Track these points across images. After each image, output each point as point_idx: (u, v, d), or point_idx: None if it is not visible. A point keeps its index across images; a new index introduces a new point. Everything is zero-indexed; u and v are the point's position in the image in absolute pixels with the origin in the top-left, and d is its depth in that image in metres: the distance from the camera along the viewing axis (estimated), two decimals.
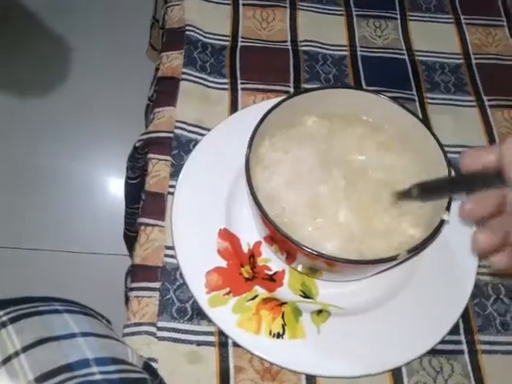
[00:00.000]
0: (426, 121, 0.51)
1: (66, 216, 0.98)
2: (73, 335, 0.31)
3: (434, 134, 0.40)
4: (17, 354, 0.29)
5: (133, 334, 0.39)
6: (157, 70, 0.53)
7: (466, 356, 0.41)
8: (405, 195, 0.36)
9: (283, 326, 0.39)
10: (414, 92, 0.53)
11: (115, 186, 1.04)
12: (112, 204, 1.01)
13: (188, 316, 0.40)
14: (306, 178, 0.39)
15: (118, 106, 1.10)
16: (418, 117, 0.41)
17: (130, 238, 0.60)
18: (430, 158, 0.40)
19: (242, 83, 0.52)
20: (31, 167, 1.03)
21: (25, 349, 0.29)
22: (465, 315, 0.42)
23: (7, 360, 0.29)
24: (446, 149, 0.47)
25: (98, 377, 0.30)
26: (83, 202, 1.01)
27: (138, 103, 0.66)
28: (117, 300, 0.56)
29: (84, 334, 0.31)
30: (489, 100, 0.53)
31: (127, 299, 0.42)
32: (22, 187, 1.00)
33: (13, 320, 0.30)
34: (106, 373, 0.30)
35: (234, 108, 0.50)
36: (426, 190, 0.34)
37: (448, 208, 0.36)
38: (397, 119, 0.41)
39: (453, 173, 0.38)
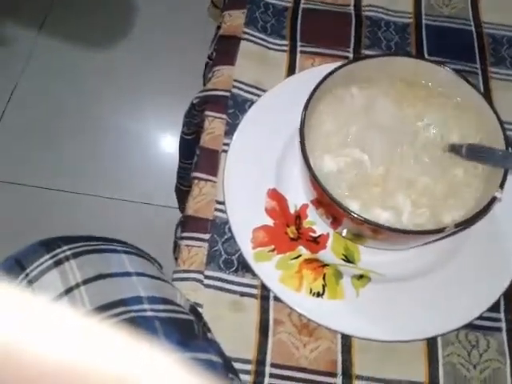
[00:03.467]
0: (487, 95, 0.50)
1: (119, 166, 1.02)
2: (128, 274, 0.33)
3: (494, 109, 0.39)
4: (77, 285, 0.32)
5: (181, 279, 0.41)
6: (218, 28, 0.54)
7: (504, 334, 0.41)
8: (455, 150, 0.38)
9: (323, 286, 0.41)
10: (478, 65, 0.51)
11: (170, 141, 1.07)
12: (165, 158, 1.05)
13: (234, 268, 0.42)
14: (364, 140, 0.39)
15: (178, 62, 1.11)
16: (479, 90, 0.40)
17: (182, 192, 0.62)
18: (489, 131, 0.39)
19: (301, 46, 0.52)
20: (91, 117, 1.07)
21: (85, 282, 0.32)
22: (507, 294, 0.42)
23: (69, 291, 0.32)
24: (507, 126, 0.46)
25: (150, 313, 0.32)
26: (137, 153, 1.04)
27: (198, 60, 0.67)
28: (165, 249, 0.59)
29: (138, 274, 0.34)
30: None
31: (176, 248, 0.45)
32: (79, 136, 1.04)
33: (75, 255, 0.33)
34: (156, 310, 0.33)
35: (291, 70, 0.50)
36: (476, 153, 0.37)
37: (502, 185, 0.36)
38: (458, 91, 0.40)
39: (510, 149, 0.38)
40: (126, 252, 0.35)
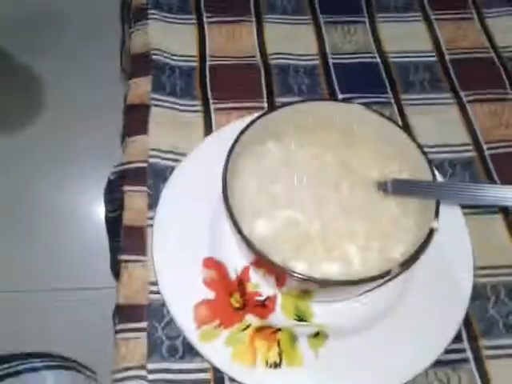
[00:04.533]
0: (404, 122, 0.50)
1: (52, 254, 0.96)
2: None
3: (413, 138, 0.39)
4: None
5: (122, 379, 0.37)
6: (125, 98, 0.52)
7: (472, 363, 0.39)
8: (382, 188, 0.38)
9: (280, 355, 0.38)
10: (391, 95, 0.52)
11: (99, 219, 1.02)
12: (98, 238, 0.99)
13: (179, 354, 0.38)
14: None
15: (95, 135, 1.08)
16: (394, 122, 0.40)
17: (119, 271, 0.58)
18: (412, 161, 0.38)
19: (214, 103, 0.50)
20: (11, 204, 1.01)
21: None
22: (466, 321, 0.40)
23: None
24: (428, 149, 0.47)
25: None
26: (68, 237, 0.98)
27: (115, 131, 0.64)
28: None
29: None
30: (466, 95, 0.52)
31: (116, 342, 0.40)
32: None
33: None
34: None
35: (208, 130, 0.49)
36: (402, 187, 0.37)
37: (436, 215, 0.35)
38: (373, 125, 0.40)
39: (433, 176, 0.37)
40: (47, 367, 0.31)
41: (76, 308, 0.89)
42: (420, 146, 0.38)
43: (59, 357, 0.33)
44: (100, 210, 1.02)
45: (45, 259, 0.94)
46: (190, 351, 0.38)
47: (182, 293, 0.39)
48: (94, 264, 0.90)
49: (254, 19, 0.56)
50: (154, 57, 0.52)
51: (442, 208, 0.35)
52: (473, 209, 0.44)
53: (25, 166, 1.04)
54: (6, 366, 0.30)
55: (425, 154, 0.37)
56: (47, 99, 1.16)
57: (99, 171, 0.84)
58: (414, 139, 0.38)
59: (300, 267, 0.34)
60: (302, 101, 0.40)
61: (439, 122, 0.50)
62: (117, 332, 0.39)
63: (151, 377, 0.37)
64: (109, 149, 0.69)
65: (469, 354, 0.40)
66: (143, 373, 0.37)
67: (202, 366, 0.38)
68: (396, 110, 0.51)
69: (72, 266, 0.94)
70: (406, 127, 0.50)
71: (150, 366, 0.37)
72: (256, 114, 0.40)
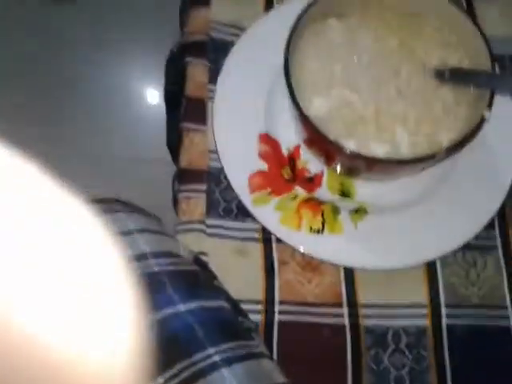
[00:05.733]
0: (470, 11, 0.48)
1: (106, 124, 1.01)
2: (129, 232, 0.34)
3: (478, 26, 0.38)
4: None
5: (185, 231, 0.42)
6: None
7: (500, 250, 0.42)
8: (440, 75, 0.38)
9: (322, 223, 0.42)
10: None
11: (154, 92, 1.05)
12: (152, 111, 1.03)
13: (234, 214, 0.43)
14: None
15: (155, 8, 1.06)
16: (461, 9, 0.39)
17: (174, 144, 0.62)
18: (474, 50, 0.38)
19: None
20: (66, 74, 1.04)
21: None
22: (501, 211, 0.43)
23: None
24: (490, 41, 0.46)
25: (156, 269, 0.33)
26: (122, 109, 1.02)
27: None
28: (163, 203, 0.59)
29: (139, 231, 0.34)
30: None
31: (175, 201, 0.45)
32: (57, 94, 1.02)
33: None
34: (162, 265, 0.33)
35: (269, 4, 0.48)
36: (460, 76, 0.37)
37: (489, 105, 0.35)
38: (439, 11, 0.39)
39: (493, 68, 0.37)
40: (124, 210, 0.35)
41: (130, 175, 0.96)
42: (485, 37, 0.38)
43: (131, 203, 0.37)
44: (154, 90, 1.05)
45: (99, 131, 0.99)
46: (243, 213, 0.42)
47: (239, 163, 0.43)
48: (148, 138, 0.95)
49: None
50: None
51: (496, 99, 0.36)
52: None
53: (79, 36, 1.05)
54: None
55: (488, 44, 0.37)
56: None
57: (154, 46, 0.85)
58: (480, 29, 0.38)
59: (350, 145, 0.37)
60: None
61: (506, 15, 0.48)
62: (179, 191, 0.43)
63: (209, 231, 0.42)
64: (167, 23, 0.70)
65: (498, 242, 0.43)
66: (202, 227, 0.42)
67: (253, 226, 0.42)
68: None
69: (126, 138, 0.99)
70: (472, 15, 0.48)
71: (209, 222, 0.42)
72: None
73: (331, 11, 0.39)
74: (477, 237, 0.41)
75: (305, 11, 0.38)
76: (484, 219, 0.41)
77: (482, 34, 0.38)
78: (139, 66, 1.07)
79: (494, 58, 0.37)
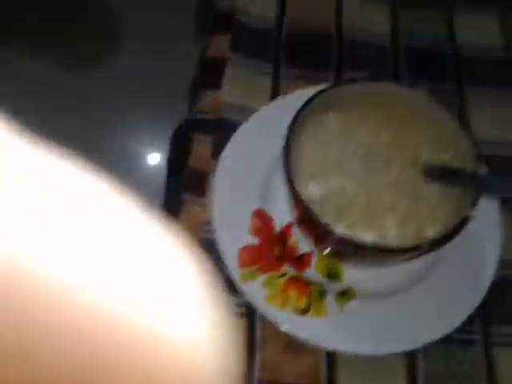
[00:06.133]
0: (463, 115, 0.52)
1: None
2: None
3: (467, 130, 0.41)
4: None
5: None
6: (203, 52, 0.56)
7: (480, 346, 0.42)
8: (429, 172, 0.40)
9: (308, 304, 0.42)
10: (455, 85, 0.54)
11: (157, 163, 1.08)
12: (153, 179, 1.06)
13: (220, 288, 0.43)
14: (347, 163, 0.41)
15: (164, 83, 1.13)
16: (452, 113, 0.42)
17: (170, 212, 0.64)
18: (462, 151, 0.41)
19: (285, 69, 0.53)
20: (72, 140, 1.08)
21: None
22: (483, 306, 0.43)
23: None
24: (481, 143, 0.49)
25: None
26: (125, 176, 1.06)
27: (184, 83, 0.69)
28: None
29: None
30: None
31: None
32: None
33: None
34: None
35: (276, 93, 0.52)
36: (448, 175, 0.39)
37: (474, 204, 0.37)
38: (432, 113, 0.42)
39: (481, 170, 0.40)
40: None
41: None
42: (473, 141, 0.40)
43: None
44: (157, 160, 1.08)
45: None
46: (229, 288, 0.43)
47: (231, 236, 0.44)
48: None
49: None
50: (236, 17, 0.56)
51: (481, 198, 0.38)
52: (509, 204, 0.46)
53: (88, 108, 1.11)
54: None
55: (476, 147, 0.40)
56: (124, 47, 1.21)
57: (161, 121, 0.90)
58: (468, 132, 0.41)
59: (339, 229, 0.38)
60: (368, 79, 0.43)
61: (499, 118, 0.52)
62: None
63: None
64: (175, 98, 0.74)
65: (478, 337, 0.43)
66: None
67: (238, 301, 0.43)
68: (458, 99, 0.53)
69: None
70: (464, 118, 0.51)
71: None
72: (322, 85, 0.44)
73: (331, 105, 0.42)
74: (458, 330, 0.42)
75: (307, 103, 0.41)
76: (465, 312, 0.42)
77: (471, 138, 0.40)
78: (149, 137, 1.12)
79: (482, 161, 0.39)
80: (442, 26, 0.57)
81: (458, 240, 0.38)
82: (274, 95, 0.52)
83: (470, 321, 0.42)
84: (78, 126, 1.09)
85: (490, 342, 0.43)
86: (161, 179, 0.62)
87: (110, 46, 1.22)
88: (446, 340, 0.41)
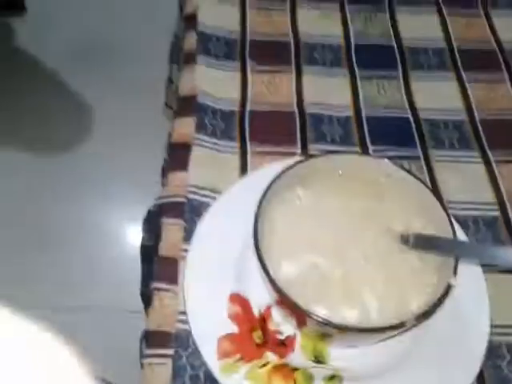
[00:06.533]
0: (432, 178, 0.52)
1: (84, 276, 1.00)
2: None
3: (437, 196, 0.41)
4: None
5: None
6: (170, 135, 0.56)
7: None
8: (405, 241, 0.40)
9: None
10: (420, 150, 0.54)
11: (131, 247, 1.06)
12: (129, 266, 1.03)
13: (201, 383, 0.40)
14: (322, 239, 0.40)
15: (134, 165, 1.13)
16: (420, 179, 0.42)
17: (147, 297, 0.61)
18: (436, 218, 0.40)
19: (251, 146, 0.53)
20: (41, 228, 1.06)
21: None
22: (480, 379, 0.41)
23: None
24: (453, 205, 0.49)
25: None
26: (100, 264, 1.02)
27: (156, 162, 0.68)
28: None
29: None
30: (494, 155, 0.54)
31: (142, 365, 0.43)
32: (34, 248, 1.02)
33: None
34: None
35: (243, 171, 0.52)
36: (424, 242, 0.38)
37: (455, 272, 0.36)
38: (400, 181, 0.42)
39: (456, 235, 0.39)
40: None
41: (104, 328, 0.92)
42: (444, 206, 0.40)
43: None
44: (136, 237, 1.06)
45: (77, 277, 0.98)
46: (211, 381, 0.40)
47: (208, 325, 0.41)
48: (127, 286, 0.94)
49: (293, 69, 0.60)
50: (199, 99, 0.56)
51: (462, 264, 0.37)
52: (493, 267, 0.45)
53: (69, 187, 1.10)
54: None
55: (448, 213, 0.39)
56: (93, 125, 1.22)
57: (134, 204, 0.89)
58: (439, 198, 0.41)
59: (320, 311, 0.37)
60: (333, 152, 0.43)
61: (466, 180, 0.52)
62: (144, 356, 0.42)
63: None
64: (148, 178, 0.74)
65: None
66: None
67: None
68: (424, 164, 0.53)
69: (105, 285, 0.98)
70: (434, 182, 0.52)
71: None
72: (288, 160, 0.43)
73: (298, 181, 0.42)
74: None
75: (274, 181, 0.40)
76: None
77: (441, 203, 0.40)
78: (121, 220, 1.10)
79: (454, 226, 0.39)
80: (400, 93, 0.59)
81: (443, 310, 0.36)
82: (243, 172, 0.52)
83: None
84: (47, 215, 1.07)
85: None
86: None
87: (81, 133, 1.23)
88: None
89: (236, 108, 0.57)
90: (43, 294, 0.95)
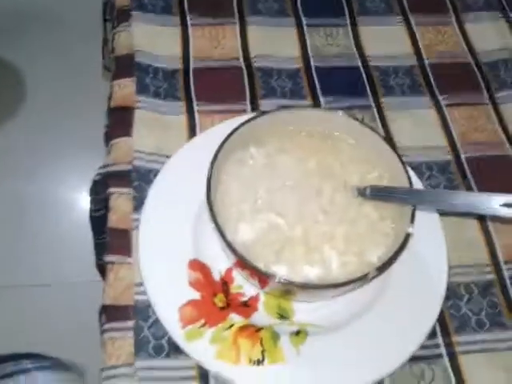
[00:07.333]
0: (384, 126, 0.51)
1: (35, 249, 0.96)
2: None
3: (392, 146, 0.40)
4: None
5: (111, 377, 0.38)
6: (109, 99, 0.52)
7: (446, 359, 0.41)
8: (361, 193, 0.39)
9: (262, 352, 0.39)
10: (371, 98, 0.53)
11: (82, 216, 1.02)
12: (80, 234, 1.00)
13: (165, 352, 0.39)
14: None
15: (77, 131, 1.08)
16: (373, 129, 0.41)
17: (103, 268, 0.59)
18: (391, 167, 0.40)
19: (198, 105, 0.51)
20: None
21: None
22: (441, 318, 0.42)
23: None
24: (407, 152, 0.49)
25: None
26: (50, 233, 0.98)
27: (98, 127, 0.65)
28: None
29: None
30: (444, 99, 0.54)
31: (102, 340, 0.41)
32: None
33: None
34: None
35: (192, 132, 0.49)
36: (380, 193, 0.38)
37: (412, 220, 0.36)
38: (354, 133, 0.41)
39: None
40: (38, 368, 0.32)
41: (64, 303, 0.90)
42: (398, 155, 0.39)
43: (49, 358, 0.33)
44: (85, 206, 1.02)
45: (31, 255, 0.94)
46: (175, 350, 0.39)
47: (168, 294, 0.40)
48: (80, 258, 0.91)
49: (237, 21, 0.57)
50: (137, 59, 0.53)
51: (419, 210, 0.37)
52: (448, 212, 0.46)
53: (5, 161, 1.04)
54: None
55: (403, 162, 0.39)
56: (29, 95, 1.15)
57: (83, 167, 0.85)
58: (393, 147, 0.40)
59: (281, 271, 0.36)
60: (284, 108, 0.42)
61: (418, 125, 0.52)
62: (103, 331, 0.40)
63: (140, 374, 0.38)
64: (93, 145, 0.70)
65: (443, 350, 0.42)
66: (131, 370, 0.38)
67: (188, 363, 0.39)
68: (376, 112, 0.52)
69: (58, 260, 0.94)
70: (387, 131, 0.51)
71: (138, 364, 0.38)
72: (238, 118, 0.41)
73: (250, 140, 0.40)
74: (422, 346, 0.40)
75: (223, 142, 0.38)
76: (426, 328, 0.41)
77: (396, 152, 0.40)
78: (68, 189, 1.05)
79: (409, 175, 0.38)
80: (349, 41, 0.57)
81: (402, 258, 0.36)
82: (191, 133, 0.49)
83: (432, 335, 0.41)
84: None
85: (454, 352, 0.42)
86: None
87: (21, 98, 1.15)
88: (411, 360, 0.40)
89: (179, 66, 0.53)
90: None
